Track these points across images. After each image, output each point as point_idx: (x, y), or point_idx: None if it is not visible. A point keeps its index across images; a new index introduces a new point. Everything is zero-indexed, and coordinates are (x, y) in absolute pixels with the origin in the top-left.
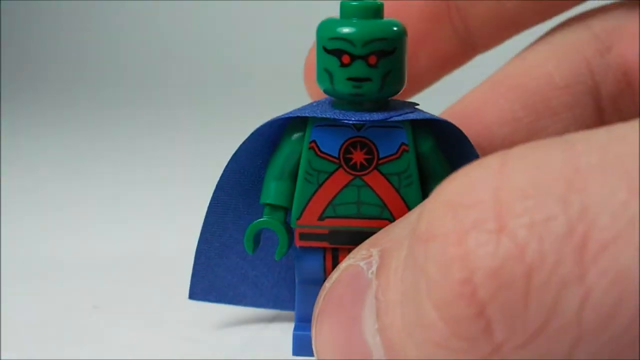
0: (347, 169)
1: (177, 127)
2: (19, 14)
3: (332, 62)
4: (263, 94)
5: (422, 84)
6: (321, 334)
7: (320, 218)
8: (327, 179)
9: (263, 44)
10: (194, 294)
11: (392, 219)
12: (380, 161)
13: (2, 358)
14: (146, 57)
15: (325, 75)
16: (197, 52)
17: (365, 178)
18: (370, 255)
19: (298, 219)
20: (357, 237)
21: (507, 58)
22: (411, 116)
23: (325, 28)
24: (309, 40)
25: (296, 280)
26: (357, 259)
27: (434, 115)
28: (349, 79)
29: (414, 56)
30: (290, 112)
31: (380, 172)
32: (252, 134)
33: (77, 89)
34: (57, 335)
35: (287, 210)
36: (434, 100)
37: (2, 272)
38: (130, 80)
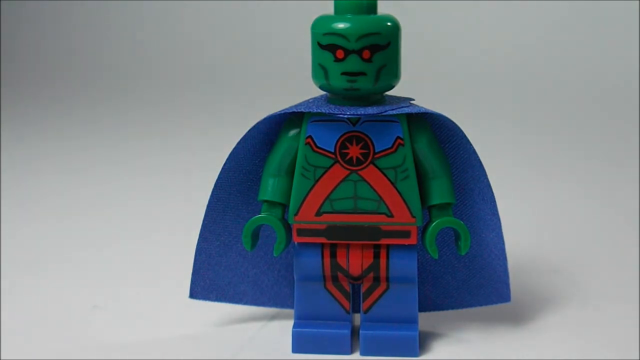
0: (344, 164)
1: (176, 127)
2: (19, 14)
3: (327, 57)
4: (261, 92)
5: None
6: None
7: (318, 213)
8: (323, 174)
9: (260, 42)
10: (195, 293)
11: (388, 214)
12: (376, 155)
13: (2, 358)
14: (146, 57)
15: (320, 70)
16: (195, 52)
17: (361, 173)
18: None
19: (295, 214)
20: (355, 232)
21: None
22: (406, 110)
23: (319, 24)
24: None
25: (295, 278)
26: None
27: (429, 109)
28: (344, 73)
29: None
30: (286, 109)
31: (377, 167)
32: (249, 131)
33: (75, 87)
34: (57, 335)
35: (285, 206)
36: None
37: (2, 272)
38: (129, 80)
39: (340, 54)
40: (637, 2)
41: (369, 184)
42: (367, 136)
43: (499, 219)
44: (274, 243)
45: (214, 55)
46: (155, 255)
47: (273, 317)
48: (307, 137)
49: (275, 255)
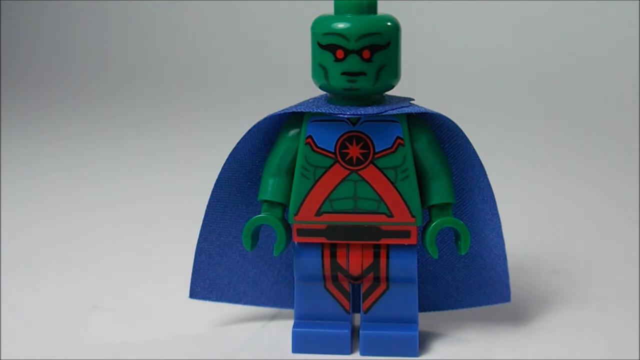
0: (344, 164)
1: (176, 126)
2: (19, 14)
3: (327, 57)
4: (261, 92)
5: None
6: None
7: (318, 213)
8: (323, 174)
9: (260, 42)
10: (195, 293)
11: (388, 213)
12: (376, 155)
13: (2, 358)
14: (146, 57)
15: (320, 70)
16: (195, 52)
17: (361, 173)
18: None
19: (295, 214)
20: (355, 232)
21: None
22: (406, 110)
23: (319, 24)
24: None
25: (295, 278)
26: None
27: (429, 109)
28: (344, 73)
29: None
30: (287, 109)
31: (377, 167)
32: (250, 130)
33: (75, 87)
34: (57, 335)
35: (285, 206)
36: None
37: (2, 272)
38: (130, 79)
39: (340, 53)
40: (637, 2)
41: (369, 183)
42: (367, 136)
43: (499, 219)
44: (274, 243)
45: (214, 55)
46: (155, 255)
47: (273, 317)
48: (307, 137)
49: (275, 255)
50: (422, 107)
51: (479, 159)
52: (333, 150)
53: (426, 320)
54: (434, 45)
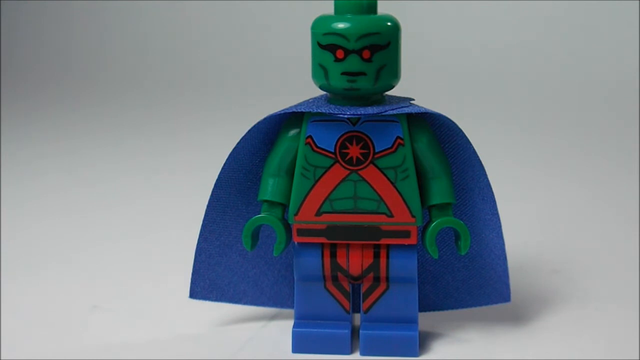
0: (344, 164)
1: (176, 126)
2: (19, 14)
3: (327, 57)
4: (261, 92)
5: None
6: None
7: (318, 213)
8: (323, 174)
9: (260, 42)
10: (195, 293)
11: (388, 213)
12: (376, 155)
13: (2, 358)
14: (146, 57)
15: (320, 70)
16: (195, 52)
17: (361, 172)
18: None
19: (295, 214)
20: (355, 232)
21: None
22: (406, 110)
23: (319, 24)
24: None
25: (295, 278)
26: None
27: (429, 109)
28: (344, 73)
29: None
30: (287, 109)
31: (377, 167)
32: (250, 130)
33: (75, 87)
34: (57, 335)
35: (285, 206)
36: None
37: (2, 272)
38: (130, 79)
39: (340, 53)
40: (637, 2)
41: (369, 183)
42: (367, 136)
43: (499, 219)
44: (274, 243)
45: (214, 55)
46: (155, 255)
47: (273, 317)
48: (307, 137)
49: (275, 255)
50: (422, 107)
51: (479, 159)
52: (333, 150)
53: (426, 320)
54: (434, 45)
